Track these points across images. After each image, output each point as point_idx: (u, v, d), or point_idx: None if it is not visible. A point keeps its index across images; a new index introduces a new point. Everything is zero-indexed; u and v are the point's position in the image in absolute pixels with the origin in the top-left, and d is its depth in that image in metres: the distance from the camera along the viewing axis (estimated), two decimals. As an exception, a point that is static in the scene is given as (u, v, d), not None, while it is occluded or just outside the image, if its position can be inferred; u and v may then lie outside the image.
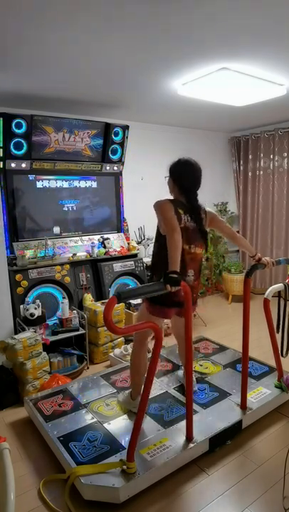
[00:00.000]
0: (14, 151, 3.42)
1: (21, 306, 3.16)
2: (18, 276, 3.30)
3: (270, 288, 2.51)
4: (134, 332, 2.28)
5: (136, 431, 1.83)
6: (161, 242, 2.10)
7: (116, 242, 4.13)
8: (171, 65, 2.64)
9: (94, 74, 2.80)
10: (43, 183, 3.75)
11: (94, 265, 3.86)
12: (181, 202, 2.16)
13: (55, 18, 1.92)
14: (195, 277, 2.20)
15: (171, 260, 1.91)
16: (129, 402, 2.41)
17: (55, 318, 3.44)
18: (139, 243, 4.47)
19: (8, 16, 1.89)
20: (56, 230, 3.83)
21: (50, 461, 2.14)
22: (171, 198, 2.23)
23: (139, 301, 3.63)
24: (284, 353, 2.55)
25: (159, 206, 2.10)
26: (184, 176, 2.19)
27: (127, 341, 3.56)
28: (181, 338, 2.48)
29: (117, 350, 3.35)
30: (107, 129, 3.89)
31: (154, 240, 2.27)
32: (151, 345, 2.09)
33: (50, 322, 3.37)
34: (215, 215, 2.33)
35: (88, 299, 3.57)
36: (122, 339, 3.55)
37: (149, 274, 2.35)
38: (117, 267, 3.92)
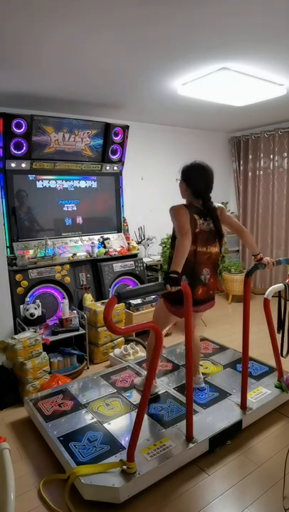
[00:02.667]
0: (14, 151, 3.42)
1: (21, 306, 3.16)
2: (18, 276, 3.30)
3: (270, 288, 2.51)
4: (155, 321, 2.33)
5: (136, 431, 1.83)
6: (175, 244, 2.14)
7: (116, 242, 4.13)
8: (171, 65, 2.64)
9: (94, 74, 2.80)
10: (43, 183, 3.75)
11: (94, 265, 3.86)
12: (195, 207, 2.19)
13: (55, 18, 1.92)
14: (210, 275, 2.26)
15: (174, 261, 1.95)
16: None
17: (55, 318, 3.44)
18: (139, 243, 4.47)
19: (8, 16, 1.89)
20: (56, 226, 3.84)
21: (50, 461, 2.14)
22: (184, 202, 2.26)
23: (139, 301, 3.63)
24: (284, 353, 2.56)
25: (174, 211, 2.14)
26: (197, 181, 2.20)
27: (126, 341, 3.56)
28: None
29: (117, 350, 3.35)
30: (107, 129, 3.89)
31: (170, 245, 2.30)
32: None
33: (50, 322, 3.37)
34: (224, 209, 2.36)
35: (88, 299, 3.57)
36: (122, 339, 3.55)
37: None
38: (117, 267, 3.92)
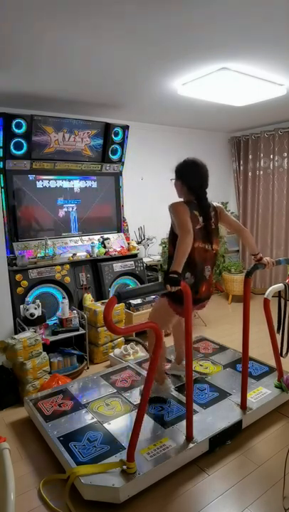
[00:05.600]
0: (14, 151, 3.42)
1: (21, 306, 3.16)
2: (18, 276, 3.30)
3: (270, 288, 2.51)
4: (153, 319, 2.30)
5: (136, 431, 1.83)
6: (176, 243, 2.11)
7: (116, 242, 4.13)
8: (171, 65, 2.64)
9: (94, 74, 2.80)
10: (43, 183, 3.75)
11: (94, 265, 3.86)
12: (195, 203, 2.17)
13: (55, 18, 1.92)
14: (210, 271, 2.26)
15: (175, 261, 1.92)
16: (157, 388, 2.51)
17: (55, 318, 3.44)
18: (139, 243, 4.47)
19: (9, 17, 1.89)
20: (56, 226, 3.84)
21: (50, 461, 2.14)
22: (182, 200, 2.23)
23: (139, 301, 3.63)
24: (284, 353, 2.56)
25: (174, 208, 2.10)
26: (192, 177, 2.18)
27: (126, 341, 3.56)
28: (179, 325, 2.62)
29: (117, 350, 3.35)
30: (107, 129, 3.89)
31: (167, 242, 2.27)
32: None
33: (50, 322, 3.37)
34: (222, 209, 2.35)
35: (88, 299, 3.57)
36: (122, 339, 3.55)
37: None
38: (117, 267, 3.92)
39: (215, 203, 2.31)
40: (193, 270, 2.12)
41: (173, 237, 2.17)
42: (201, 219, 2.15)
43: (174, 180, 2.26)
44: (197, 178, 2.19)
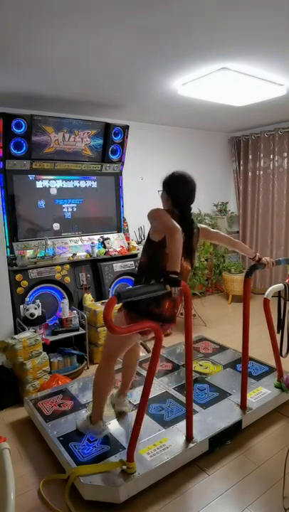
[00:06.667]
0: (14, 151, 3.42)
1: (21, 306, 3.16)
2: (18, 276, 3.30)
3: (270, 288, 2.51)
4: (105, 346, 2.17)
5: (136, 431, 1.83)
6: (151, 251, 2.02)
7: (116, 242, 4.13)
8: (171, 65, 2.64)
9: (94, 74, 2.80)
10: (43, 183, 3.75)
11: (94, 265, 3.86)
12: (175, 214, 2.05)
13: (55, 18, 1.92)
14: (179, 292, 1.97)
15: (172, 260, 1.84)
16: (87, 427, 2.19)
17: (55, 318, 3.44)
18: (139, 243, 4.46)
19: (8, 17, 1.89)
20: (56, 226, 3.84)
21: (50, 461, 2.14)
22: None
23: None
24: (284, 353, 2.56)
25: (155, 212, 2.00)
26: (178, 191, 2.09)
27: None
28: (133, 349, 2.35)
29: (117, 350, 3.34)
30: (107, 129, 3.89)
31: (142, 253, 2.13)
32: (151, 344, 2.09)
33: (50, 322, 3.37)
34: (207, 229, 2.28)
35: (88, 299, 3.57)
36: (122, 339, 3.54)
37: (134, 282, 2.15)
38: (117, 267, 3.92)
39: (200, 225, 2.23)
40: (157, 278, 1.87)
41: (148, 246, 2.07)
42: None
43: (160, 192, 2.18)
44: (183, 193, 2.10)
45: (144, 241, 4.69)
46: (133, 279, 4.05)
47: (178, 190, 2.10)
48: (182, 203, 2.10)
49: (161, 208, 2.12)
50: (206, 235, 2.28)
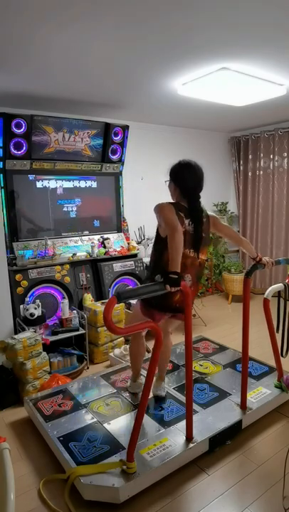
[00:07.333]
0: (14, 151, 3.42)
1: (21, 306, 3.16)
2: (18, 276, 3.30)
3: (270, 288, 2.51)
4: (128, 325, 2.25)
5: (136, 431, 1.83)
6: (159, 247, 2.05)
7: (116, 242, 4.13)
8: (171, 65, 2.64)
9: (94, 74, 2.80)
10: (43, 183, 3.75)
11: (94, 265, 3.86)
12: (182, 205, 2.07)
13: (55, 19, 1.92)
14: (192, 282, 2.10)
15: (171, 260, 1.87)
16: (130, 385, 2.62)
17: (55, 318, 3.44)
18: (139, 243, 4.47)
19: (9, 18, 1.89)
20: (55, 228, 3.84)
21: (50, 461, 2.14)
22: (172, 201, 2.15)
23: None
24: (284, 353, 2.55)
25: (160, 208, 2.02)
26: (186, 179, 2.09)
27: (126, 341, 3.56)
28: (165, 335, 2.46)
29: (117, 350, 3.35)
30: (107, 129, 3.89)
31: (152, 244, 2.19)
32: (151, 344, 2.09)
33: (50, 322, 3.37)
34: (217, 219, 2.26)
35: (88, 299, 3.57)
36: (122, 339, 3.55)
37: (147, 277, 2.26)
38: (117, 267, 3.92)
39: (210, 212, 2.22)
40: (162, 274, 1.91)
41: (156, 240, 2.10)
42: (187, 222, 2.04)
43: (168, 182, 2.18)
44: (191, 181, 2.09)
45: (144, 241, 4.73)
46: (133, 279, 4.06)
47: (185, 178, 2.10)
48: (190, 192, 2.09)
49: (168, 201, 2.11)
50: (214, 225, 2.23)
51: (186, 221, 2.05)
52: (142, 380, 2.59)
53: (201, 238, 2.09)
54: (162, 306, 2.10)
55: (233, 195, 5.77)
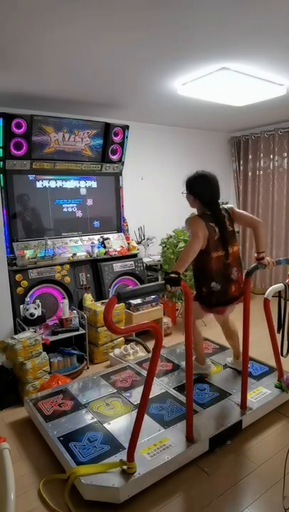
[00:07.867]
0: (14, 151, 3.42)
1: (21, 306, 3.16)
2: (18, 276, 3.30)
3: (270, 288, 2.51)
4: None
5: (136, 431, 1.83)
6: (197, 258, 2.18)
7: (116, 242, 4.13)
8: (171, 65, 2.64)
9: (94, 74, 2.80)
10: (43, 183, 3.75)
11: (94, 265, 3.86)
12: (209, 215, 2.26)
13: (54, 18, 1.92)
14: (238, 271, 2.36)
15: (178, 260, 2.03)
16: (197, 367, 2.74)
17: (55, 318, 3.44)
18: (139, 243, 4.47)
19: (8, 16, 1.89)
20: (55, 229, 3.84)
21: (50, 461, 2.14)
22: (197, 213, 2.35)
23: (139, 301, 3.63)
24: (284, 353, 2.56)
25: (189, 222, 2.23)
26: (204, 191, 2.28)
27: (126, 341, 3.56)
28: (224, 324, 2.80)
29: (117, 350, 3.35)
30: (107, 129, 3.89)
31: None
32: (150, 344, 2.09)
33: (50, 322, 3.37)
34: (233, 209, 2.41)
35: (88, 299, 3.57)
36: (122, 339, 3.55)
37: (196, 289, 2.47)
38: (117, 267, 3.92)
39: (226, 206, 2.39)
40: (216, 278, 2.26)
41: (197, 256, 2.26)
42: (217, 229, 2.24)
43: (185, 194, 2.34)
44: (209, 192, 2.28)
45: (144, 241, 4.73)
46: (133, 279, 4.06)
47: (202, 190, 2.29)
48: (209, 202, 2.29)
49: (195, 214, 2.34)
50: (233, 215, 2.38)
51: (217, 228, 2.25)
52: (209, 361, 2.87)
53: (228, 236, 2.30)
54: (223, 302, 2.34)
55: (233, 195, 5.77)
